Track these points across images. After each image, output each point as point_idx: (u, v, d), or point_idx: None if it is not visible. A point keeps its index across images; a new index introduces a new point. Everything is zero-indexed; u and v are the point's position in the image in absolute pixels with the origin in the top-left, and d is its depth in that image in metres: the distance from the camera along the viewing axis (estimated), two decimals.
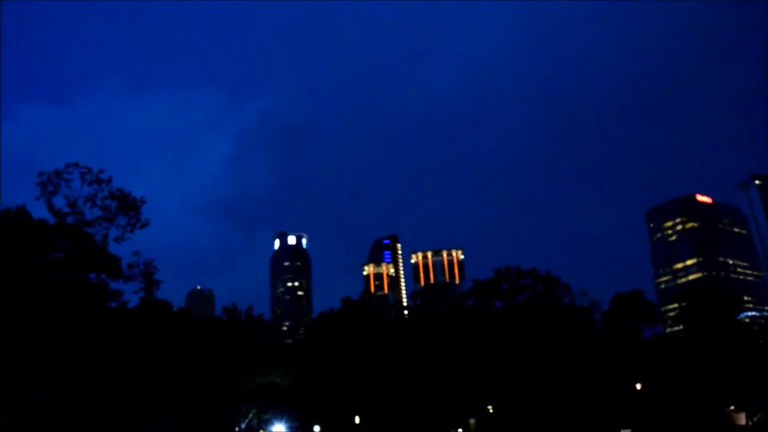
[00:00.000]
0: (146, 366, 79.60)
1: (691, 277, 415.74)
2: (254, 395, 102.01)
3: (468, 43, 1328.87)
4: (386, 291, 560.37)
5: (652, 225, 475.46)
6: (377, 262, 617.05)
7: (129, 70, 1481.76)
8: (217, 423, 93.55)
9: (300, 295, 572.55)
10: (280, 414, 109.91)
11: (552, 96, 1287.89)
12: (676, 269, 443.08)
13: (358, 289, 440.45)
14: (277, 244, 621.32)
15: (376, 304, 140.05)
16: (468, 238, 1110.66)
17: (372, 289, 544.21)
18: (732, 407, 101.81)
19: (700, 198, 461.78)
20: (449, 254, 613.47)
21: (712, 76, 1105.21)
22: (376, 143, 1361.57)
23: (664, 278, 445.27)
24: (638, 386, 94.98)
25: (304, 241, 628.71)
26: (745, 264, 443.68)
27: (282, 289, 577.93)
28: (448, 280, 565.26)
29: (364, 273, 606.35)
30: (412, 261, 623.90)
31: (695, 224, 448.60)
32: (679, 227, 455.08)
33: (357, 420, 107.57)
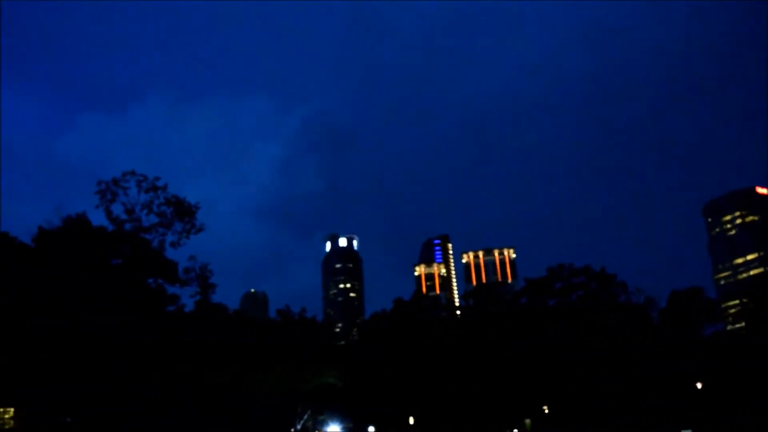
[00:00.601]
0: (209, 367, 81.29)
1: (752, 273, 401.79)
2: (309, 396, 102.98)
3: (516, 42, 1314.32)
4: (438, 291, 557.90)
5: (710, 219, 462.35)
6: (428, 263, 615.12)
7: (180, 78, 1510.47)
8: (274, 423, 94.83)
9: (352, 297, 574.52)
10: (334, 415, 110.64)
11: (600, 93, 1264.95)
12: (736, 264, 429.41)
13: (410, 290, 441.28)
14: (328, 246, 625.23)
15: (427, 305, 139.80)
16: (519, 236, 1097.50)
17: (423, 289, 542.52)
18: None
19: (760, 190, 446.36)
20: (501, 253, 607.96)
21: (764, 66, 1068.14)
22: (425, 144, 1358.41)
23: (724, 274, 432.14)
24: (699, 385, 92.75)
25: (355, 242, 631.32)
26: None
27: (334, 291, 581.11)
28: (500, 279, 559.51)
29: (416, 273, 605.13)
30: (464, 261, 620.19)
31: (755, 218, 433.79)
32: (739, 221, 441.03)
33: (411, 421, 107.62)
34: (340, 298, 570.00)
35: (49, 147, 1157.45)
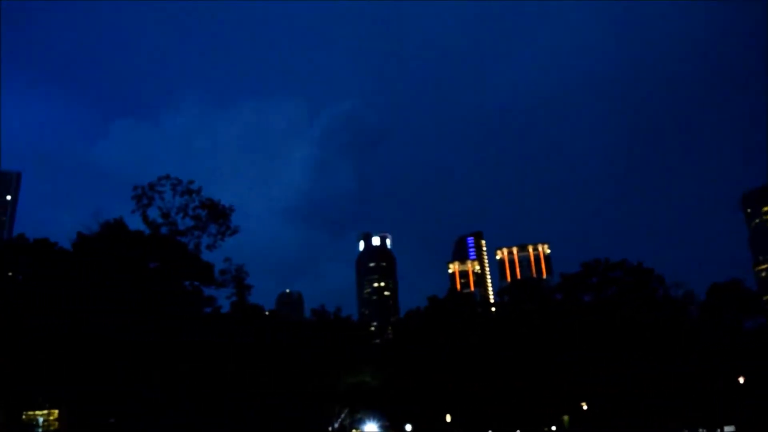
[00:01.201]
0: (247, 367, 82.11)
1: None
2: (345, 395, 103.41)
3: (542, 37, 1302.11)
4: (472, 288, 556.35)
5: (749, 210, 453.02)
6: (462, 260, 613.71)
7: (211, 82, 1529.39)
8: (312, 423, 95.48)
9: (386, 295, 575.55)
10: (371, 413, 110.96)
11: (633, 85, 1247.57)
12: None
13: (444, 287, 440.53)
14: (361, 245, 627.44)
15: (462, 302, 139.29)
16: (554, 232, 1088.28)
17: (458, 286, 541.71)
18: None
19: None
20: (535, 249, 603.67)
21: None
22: (455, 141, 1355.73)
23: (766, 266, 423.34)
24: (741, 380, 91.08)
25: (388, 241, 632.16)
26: None
27: (368, 290, 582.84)
28: (534, 275, 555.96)
29: (449, 271, 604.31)
30: (498, 257, 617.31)
31: None
32: None
33: (448, 419, 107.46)
34: (374, 297, 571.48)
35: (86, 154, 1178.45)
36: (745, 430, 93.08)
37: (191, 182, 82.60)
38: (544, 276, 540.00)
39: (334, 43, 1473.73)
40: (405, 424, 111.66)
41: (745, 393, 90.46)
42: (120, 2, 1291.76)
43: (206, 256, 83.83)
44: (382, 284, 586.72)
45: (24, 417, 72.60)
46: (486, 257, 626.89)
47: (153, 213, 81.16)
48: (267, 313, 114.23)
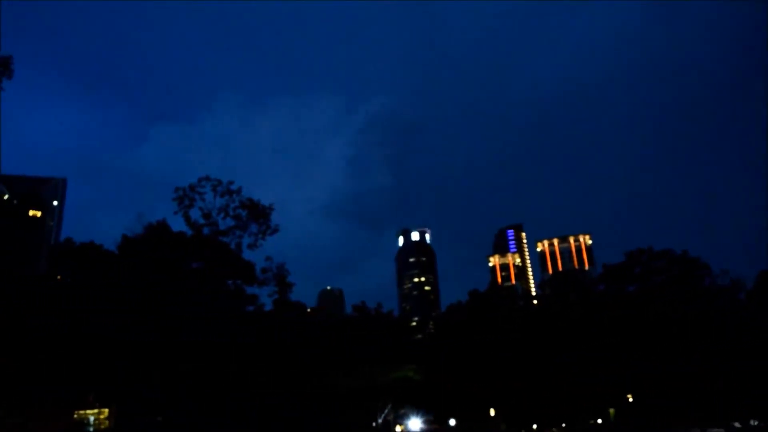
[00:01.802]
0: (292, 363, 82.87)
1: None
2: (389, 390, 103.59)
3: (577, 27, 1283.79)
4: (513, 281, 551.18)
5: None
6: (502, 253, 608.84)
7: (247, 82, 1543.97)
8: (356, 418, 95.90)
9: (427, 290, 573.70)
10: (415, 408, 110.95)
11: (670, 74, 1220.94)
12: None
13: (485, 281, 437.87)
14: (401, 241, 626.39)
15: (503, 295, 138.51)
16: (595, 222, 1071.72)
17: (499, 279, 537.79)
18: None
19: None
20: (576, 240, 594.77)
21: None
22: (492, 134, 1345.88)
23: None
24: None
25: (427, 236, 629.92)
26: None
27: (409, 285, 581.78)
28: (576, 266, 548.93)
29: (490, 264, 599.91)
30: (539, 249, 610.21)
31: None
32: None
33: (492, 413, 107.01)
34: (415, 292, 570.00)
35: (128, 159, 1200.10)
36: None
37: (231, 182, 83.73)
38: (587, 267, 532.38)
39: (368, 39, 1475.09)
40: (449, 419, 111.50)
41: None
42: (154, 7, 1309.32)
43: (247, 255, 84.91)
44: (423, 279, 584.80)
45: (75, 416, 74.18)
46: (527, 250, 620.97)
47: (195, 214, 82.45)
48: (309, 310, 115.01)
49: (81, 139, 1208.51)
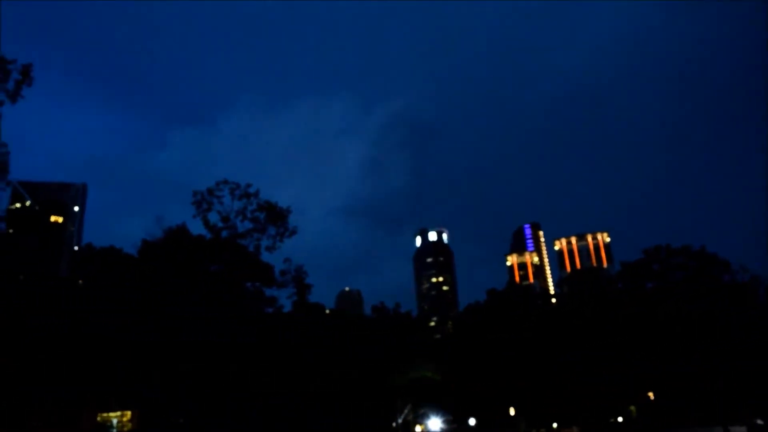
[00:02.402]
0: (313, 364, 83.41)
1: None
2: (409, 390, 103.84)
3: (594, 22, 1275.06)
4: (531, 280, 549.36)
5: None
6: (520, 252, 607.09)
7: (265, 85, 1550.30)
8: (376, 418, 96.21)
9: (445, 290, 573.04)
10: (434, 408, 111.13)
11: (688, 67, 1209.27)
12: None
13: (503, 280, 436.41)
14: (418, 241, 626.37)
15: (521, 294, 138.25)
16: (612, 220, 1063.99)
17: (517, 278, 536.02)
18: None
19: None
20: (594, 238, 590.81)
21: None
22: (509, 133, 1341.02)
23: None
24: None
25: (445, 236, 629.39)
26: None
27: (427, 285, 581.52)
28: (594, 264, 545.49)
29: (508, 263, 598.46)
30: (556, 248, 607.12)
31: None
32: None
33: (512, 412, 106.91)
34: (433, 292, 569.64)
35: (147, 163, 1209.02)
36: None
37: (249, 185, 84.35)
38: (605, 265, 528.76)
39: (386, 40, 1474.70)
40: (468, 419, 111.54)
41: None
42: (173, 11, 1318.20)
43: (266, 257, 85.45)
44: (441, 279, 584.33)
45: (99, 419, 75.10)
46: (544, 248, 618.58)
47: (213, 217, 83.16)
48: (327, 311, 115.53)
49: (101, 144, 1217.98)
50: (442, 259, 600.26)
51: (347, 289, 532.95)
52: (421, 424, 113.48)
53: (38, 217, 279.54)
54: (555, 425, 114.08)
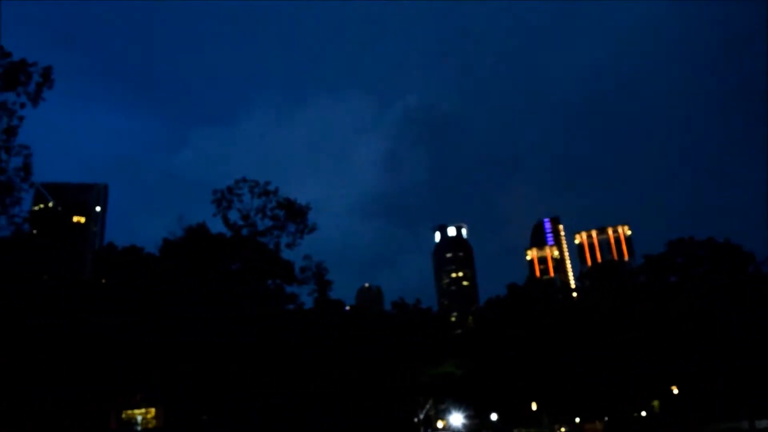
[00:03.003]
0: (335, 361, 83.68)
1: None
2: (429, 385, 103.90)
3: (621, 21, 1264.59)
4: (552, 274, 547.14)
5: None
6: (540, 246, 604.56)
7: (282, 83, 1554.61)
8: (398, 414, 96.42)
9: (465, 285, 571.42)
10: (456, 403, 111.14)
11: (708, 58, 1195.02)
12: None
13: (523, 275, 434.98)
14: (437, 236, 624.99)
15: (542, 289, 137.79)
16: (632, 213, 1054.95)
17: (537, 273, 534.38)
18: None
19: None
20: (615, 231, 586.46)
21: None
22: (527, 127, 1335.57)
23: None
24: None
25: (464, 231, 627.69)
26: None
27: (447, 281, 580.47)
28: (615, 258, 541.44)
29: (528, 258, 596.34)
30: (576, 241, 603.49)
31: None
32: None
33: (534, 407, 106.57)
34: (453, 288, 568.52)
35: (168, 162, 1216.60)
36: None
37: (268, 183, 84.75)
38: (626, 258, 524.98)
39: (403, 34, 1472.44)
40: (490, 414, 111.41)
41: None
42: (192, 10, 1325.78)
43: (286, 254, 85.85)
44: (460, 274, 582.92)
45: (123, 416, 75.89)
46: (565, 242, 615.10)
47: (233, 215, 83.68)
48: (348, 307, 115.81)
49: (122, 144, 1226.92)
50: (461, 254, 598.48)
51: (367, 285, 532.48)
52: (442, 419, 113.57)
53: (61, 218, 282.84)
54: (578, 420, 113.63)
